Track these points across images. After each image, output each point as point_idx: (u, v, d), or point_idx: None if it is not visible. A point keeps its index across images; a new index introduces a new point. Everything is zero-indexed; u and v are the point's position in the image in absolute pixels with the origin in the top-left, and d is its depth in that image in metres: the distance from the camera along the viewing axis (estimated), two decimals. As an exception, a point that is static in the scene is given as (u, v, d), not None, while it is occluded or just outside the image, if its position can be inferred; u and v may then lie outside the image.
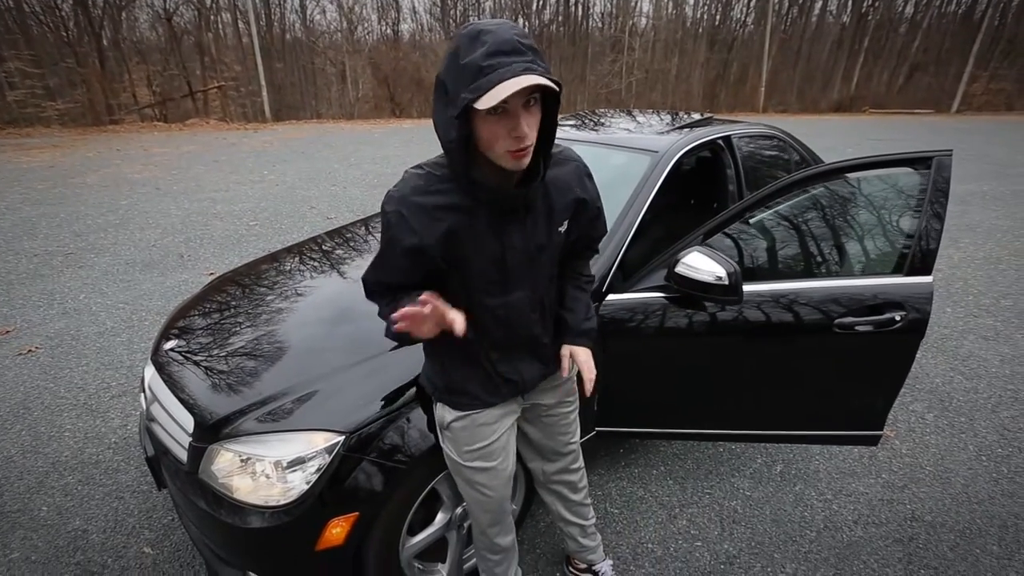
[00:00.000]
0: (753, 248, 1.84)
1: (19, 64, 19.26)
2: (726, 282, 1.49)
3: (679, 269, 1.58)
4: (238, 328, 1.70)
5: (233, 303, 1.89)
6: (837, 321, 1.59)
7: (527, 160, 0.90)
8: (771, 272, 1.80)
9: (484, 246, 1.00)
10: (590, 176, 1.14)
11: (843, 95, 26.49)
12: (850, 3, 27.65)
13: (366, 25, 26.41)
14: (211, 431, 1.33)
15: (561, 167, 1.07)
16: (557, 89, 0.84)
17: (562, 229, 1.08)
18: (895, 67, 27.27)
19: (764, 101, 24.69)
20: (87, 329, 3.26)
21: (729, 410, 1.81)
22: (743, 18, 28.82)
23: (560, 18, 28.00)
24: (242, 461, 1.27)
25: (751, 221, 1.84)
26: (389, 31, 26.22)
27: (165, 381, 1.52)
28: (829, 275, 1.77)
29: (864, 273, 1.71)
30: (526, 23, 27.18)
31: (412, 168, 1.02)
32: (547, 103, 0.92)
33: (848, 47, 27.20)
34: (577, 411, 1.41)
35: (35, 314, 3.48)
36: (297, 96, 24.59)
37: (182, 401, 1.43)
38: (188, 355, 1.61)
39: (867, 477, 2.12)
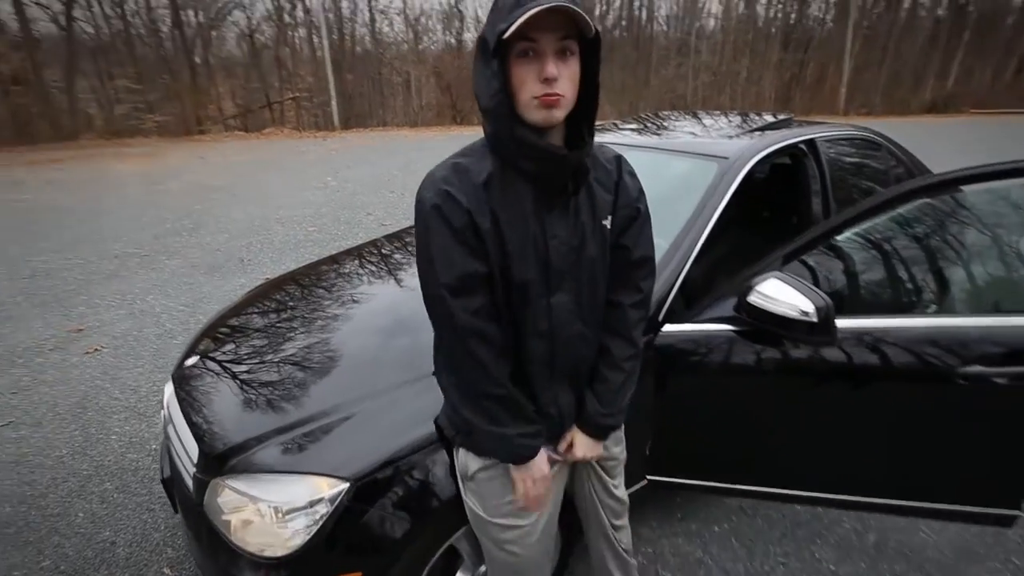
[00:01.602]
0: (845, 274, 1.53)
1: (125, 81, 21.40)
2: (814, 319, 1.22)
3: (753, 299, 1.32)
4: (278, 339, 1.61)
5: (275, 311, 1.83)
6: (963, 370, 1.27)
7: (558, 111, 0.82)
8: (869, 304, 1.49)
9: (526, 231, 0.87)
10: (633, 174, 1.00)
11: (937, 94, 24.06)
12: (948, -6, 25.17)
13: (431, 35, 27.12)
14: (216, 463, 1.23)
15: (602, 156, 0.97)
16: (592, 28, 0.78)
17: (607, 223, 0.95)
18: (1000, 61, 24.45)
19: (845, 103, 22.93)
20: (148, 331, 3.39)
21: (809, 468, 1.51)
22: (822, 15, 26.97)
23: (624, 23, 27.46)
24: (243, 500, 1.16)
25: (843, 241, 1.53)
26: (453, 40, 26.76)
27: (181, 401, 1.45)
28: (950, 311, 1.44)
29: (1000, 310, 1.36)
30: (589, 28, 26.83)
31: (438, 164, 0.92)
32: (588, 64, 0.84)
33: (944, 42, 24.72)
34: (624, 460, 1.19)
35: (107, 314, 3.67)
36: (365, 105, 25.64)
37: (191, 426, 1.35)
38: (210, 372, 1.54)
39: (991, 560, 1.73)
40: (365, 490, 1.12)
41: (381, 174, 8.90)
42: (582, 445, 1.04)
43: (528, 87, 0.80)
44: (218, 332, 1.77)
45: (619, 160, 0.98)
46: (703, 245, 1.56)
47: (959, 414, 1.33)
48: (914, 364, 1.31)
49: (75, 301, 3.87)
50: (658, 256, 1.56)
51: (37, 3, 20.52)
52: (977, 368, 1.26)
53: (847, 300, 1.48)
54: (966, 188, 1.51)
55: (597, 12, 26.88)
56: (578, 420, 1.04)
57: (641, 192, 1.00)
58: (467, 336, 0.88)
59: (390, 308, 1.78)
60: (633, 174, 1.00)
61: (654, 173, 2.00)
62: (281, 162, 10.51)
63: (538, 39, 0.77)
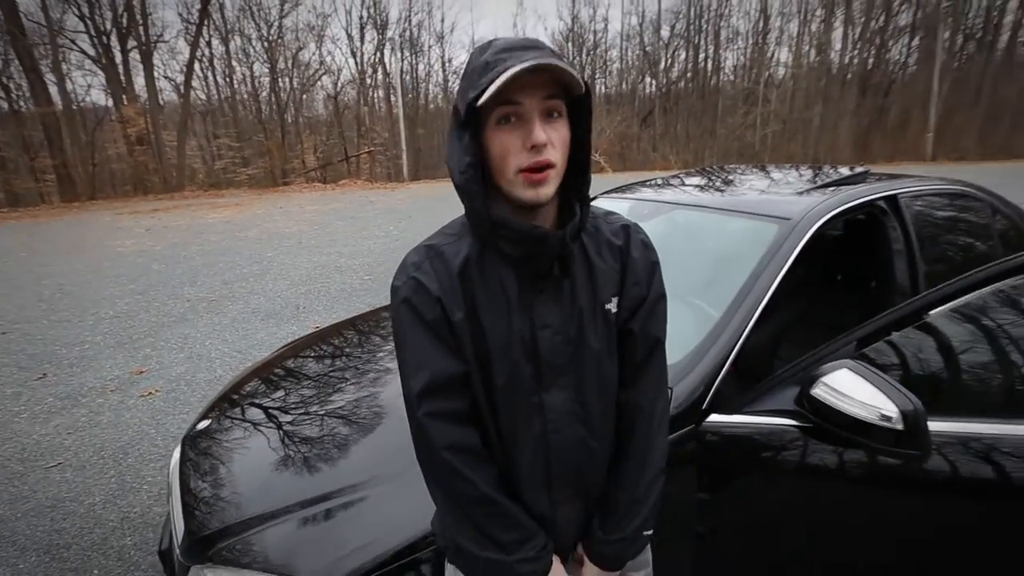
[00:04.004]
0: (936, 363, 1.25)
1: (226, 140, 24.11)
2: (899, 425, 0.96)
3: (819, 392, 1.08)
4: (301, 405, 1.54)
5: (302, 375, 1.77)
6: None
7: (547, 188, 0.71)
8: (971, 403, 1.20)
9: (509, 325, 0.76)
10: (648, 245, 0.84)
11: (1045, 136, 21.82)
12: (1051, 30, 23.24)
13: (499, 92, 28.60)
14: (199, 547, 1.13)
15: (607, 226, 0.83)
16: (581, 85, 0.68)
17: (611, 307, 0.81)
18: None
19: (933, 148, 21.34)
20: (201, 376, 3.50)
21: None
22: (903, 59, 25.74)
23: (689, 74, 27.60)
24: (217, 597, 1.04)
25: (936, 319, 1.26)
26: (518, 97, 28.02)
27: (183, 471, 1.39)
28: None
29: None
30: (653, 81, 27.22)
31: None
32: (576, 124, 0.73)
33: (1051, 81, 22.63)
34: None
35: (168, 356, 3.85)
36: (434, 158, 27.13)
37: (184, 501, 1.27)
38: (221, 439, 1.48)
39: None
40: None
41: (439, 223, 8.99)
42: (591, 570, 0.86)
43: (512, 158, 0.70)
44: (237, 393, 1.73)
45: (628, 229, 0.84)
46: (761, 317, 1.34)
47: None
48: (1016, 475, 1.01)
49: (143, 343, 4.12)
50: (706, 330, 1.39)
51: (165, 76, 23.79)
52: None
53: (942, 397, 1.19)
54: None
55: (663, 64, 27.26)
56: (582, 542, 0.86)
57: (655, 266, 0.84)
58: (442, 448, 0.75)
59: None
60: (648, 245, 0.84)
61: (709, 235, 1.82)
62: (350, 211, 11.13)
63: (521, 101, 0.68)
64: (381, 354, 1.89)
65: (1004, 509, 1.05)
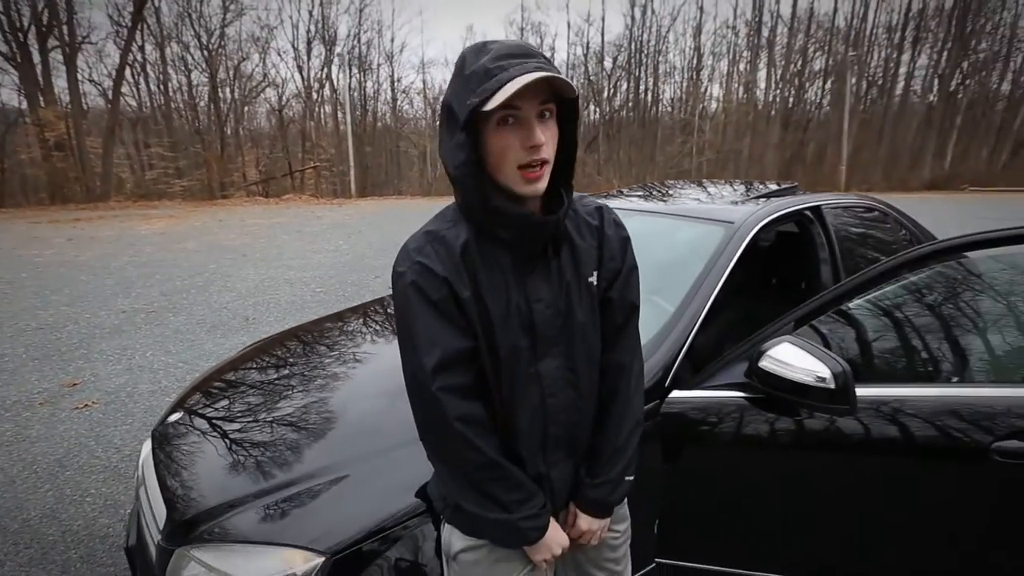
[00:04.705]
0: (858, 341, 1.46)
1: (159, 149, 22.77)
2: (832, 385, 1.14)
3: (765, 364, 1.24)
4: (274, 397, 1.53)
5: (274, 367, 1.76)
6: (996, 445, 1.16)
7: (543, 183, 0.80)
8: (884, 373, 1.41)
9: (508, 298, 0.84)
10: (619, 223, 0.96)
11: (936, 173, 24.73)
12: (936, 83, 26.56)
13: (448, 113, 28.82)
14: (183, 530, 1.12)
15: (583, 208, 0.94)
16: (574, 93, 0.77)
17: (592, 280, 0.91)
18: (996, 144, 25.32)
19: (846, 180, 23.62)
20: (143, 387, 3.31)
21: (834, 553, 1.36)
22: (818, 100, 28.47)
23: (630, 104, 29.11)
24: (208, 575, 1.04)
25: (854, 308, 1.48)
26: (468, 118, 28.39)
27: (157, 461, 1.36)
28: (970, 381, 1.35)
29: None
30: (597, 109, 28.47)
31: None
32: (565, 126, 0.83)
33: (938, 125, 25.79)
34: (628, 540, 1.07)
35: (104, 368, 3.61)
36: (382, 175, 26.90)
37: (164, 489, 1.25)
38: (195, 430, 1.46)
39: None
40: (343, 565, 1.01)
41: (391, 239, 9.11)
42: (583, 519, 0.96)
43: (512, 155, 0.78)
44: (209, 387, 1.70)
45: (601, 211, 0.94)
46: (711, 309, 1.51)
47: (999, 496, 1.21)
48: (940, 437, 1.21)
49: (74, 355, 3.84)
50: (664, 320, 1.54)
51: (90, 80, 22.27)
52: (1014, 443, 1.15)
53: (861, 368, 1.40)
54: (978, 254, 1.48)
55: (606, 93, 28.57)
56: (572, 494, 0.96)
57: (627, 241, 0.95)
58: (454, 419, 0.82)
59: (395, 369, 1.71)
60: (618, 223, 0.96)
61: (660, 238, 2.00)
62: (295, 225, 10.84)
63: (521, 106, 0.75)
64: (376, 344, 1.92)
65: (916, 462, 1.25)
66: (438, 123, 0.82)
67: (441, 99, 0.79)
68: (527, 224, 0.82)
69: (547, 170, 0.80)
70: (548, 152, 0.79)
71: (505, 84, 0.71)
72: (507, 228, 0.82)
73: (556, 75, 0.73)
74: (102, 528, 2.05)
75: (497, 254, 0.84)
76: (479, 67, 0.75)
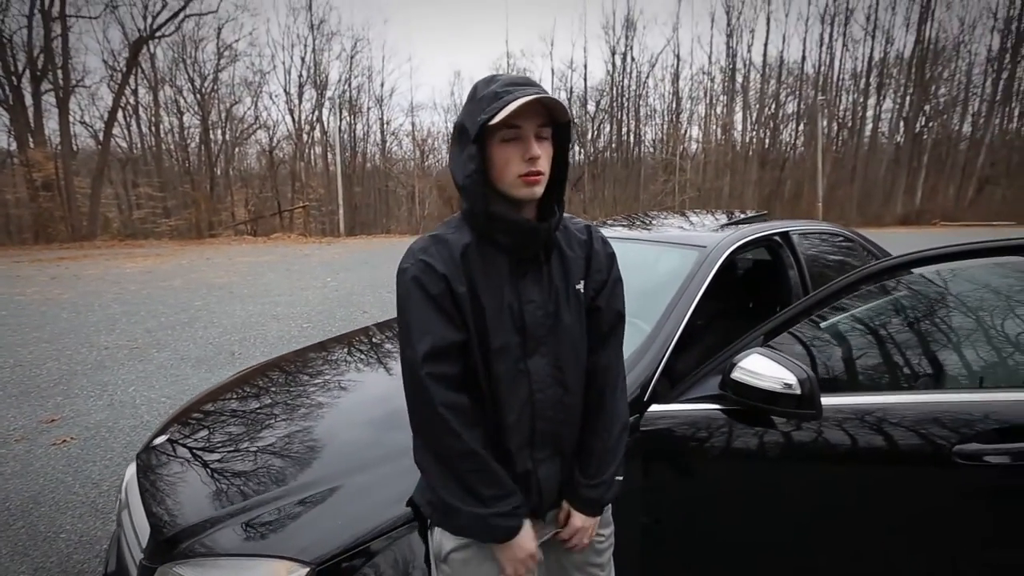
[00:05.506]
0: (828, 353, 1.54)
1: (147, 189, 22.86)
2: (798, 391, 1.20)
3: (736, 375, 1.30)
4: (257, 426, 1.54)
5: (256, 396, 1.77)
6: (957, 448, 1.22)
7: (540, 189, 0.91)
8: (850, 383, 1.48)
9: (502, 298, 0.92)
10: (605, 241, 1.05)
11: (908, 209, 25.77)
12: (902, 125, 28.01)
13: (436, 153, 29.57)
14: (165, 547, 1.12)
15: (573, 226, 1.04)
16: (567, 117, 0.91)
17: (580, 287, 0.99)
18: (962, 181, 26.54)
19: (823, 215, 24.45)
20: (124, 422, 3.25)
21: (819, 560, 1.38)
22: (792, 140, 29.77)
23: (613, 145, 30.13)
24: (190, 590, 1.04)
25: (824, 321, 1.56)
26: (456, 158, 29.12)
27: (140, 484, 1.36)
28: (939, 387, 1.42)
29: (988, 386, 1.35)
30: (582, 150, 29.38)
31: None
32: (559, 155, 0.95)
33: (907, 164, 27.03)
34: (612, 546, 1.10)
35: (84, 404, 3.55)
36: (371, 215, 27.19)
37: (147, 511, 1.25)
38: (179, 455, 1.46)
39: None
40: (332, 573, 1.01)
41: (380, 276, 9.16)
42: (577, 517, 1.00)
43: (513, 166, 0.89)
44: (194, 414, 1.71)
45: (590, 229, 1.04)
46: (688, 330, 1.57)
47: (962, 497, 1.26)
48: (906, 444, 1.26)
49: (54, 391, 3.77)
50: (641, 339, 1.60)
51: (81, 121, 22.54)
52: (973, 446, 1.21)
53: (828, 379, 1.46)
54: (956, 266, 1.59)
55: (590, 135, 29.55)
56: (565, 494, 1.00)
57: (612, 257, 1.04)
58: (439, 404, 0.87)
59: (379, 398, 1.72)
60: (605, 241, 1.05)
61: (640, 263, 2.09)
62: (284, 264, 10.86)
63: (521, 125, 0.88)
64: (343, 373, 1.94)
65: (896, 472, 1.29)
66: (449, 142, 0.96)
67: (453, 121, 0.94)
68: (523, 228, 0.92)
69: (543, 180, 0.91)
70: (544, 166, 0.91)
71: (510, 103, 0.84)
72: (505, 232, 0.92)
73: (552, 98, 0.86)
74: (76, 565, 1.99)
75: (495, 258, 0.93)
76: (489, 92, 0.88)
